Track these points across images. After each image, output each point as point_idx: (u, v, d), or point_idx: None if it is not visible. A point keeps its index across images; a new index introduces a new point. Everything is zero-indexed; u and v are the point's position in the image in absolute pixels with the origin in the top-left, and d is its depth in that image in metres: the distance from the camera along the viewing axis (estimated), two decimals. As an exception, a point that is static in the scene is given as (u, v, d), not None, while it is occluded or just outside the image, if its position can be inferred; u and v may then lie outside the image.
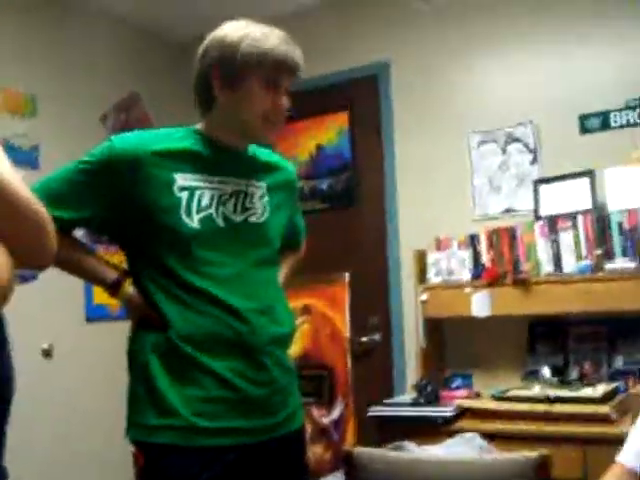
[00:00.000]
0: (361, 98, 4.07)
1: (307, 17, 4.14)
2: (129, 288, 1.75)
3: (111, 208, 1.71)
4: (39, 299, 3.34)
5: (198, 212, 1.72)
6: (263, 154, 1.95)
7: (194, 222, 1.71)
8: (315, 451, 3.89)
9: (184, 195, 1.71)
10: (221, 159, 1.81)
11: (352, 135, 4.07)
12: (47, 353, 3.52)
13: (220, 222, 1.75)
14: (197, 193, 1.73)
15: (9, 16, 3.57)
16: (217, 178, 1.78)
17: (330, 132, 4.13)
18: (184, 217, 1.70)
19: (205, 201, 1.74)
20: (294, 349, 3.94)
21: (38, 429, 3.35)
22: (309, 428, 3.91)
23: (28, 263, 1.26)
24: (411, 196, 3.85)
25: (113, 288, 1.76)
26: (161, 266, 1.71)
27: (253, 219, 1.82)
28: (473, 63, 3.76)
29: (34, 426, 3.28)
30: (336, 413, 3.87)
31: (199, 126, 1.84)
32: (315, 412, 3.91)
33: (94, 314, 3.78)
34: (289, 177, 2.00)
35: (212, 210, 1.75)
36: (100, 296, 3.56)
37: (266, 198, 1.87)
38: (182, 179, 1.73)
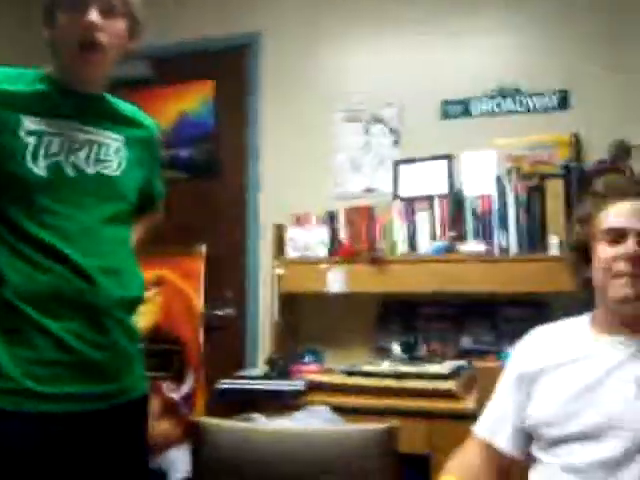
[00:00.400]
0: (229, 68, 3.98)
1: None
2: None
3: None
4: None
5: (45, 158, 1.60)
6: (126, 108, 1.85)
7: (40, 169, 1.59)
8: (164, 427, 3.80)
9: (31, 140, 1.60)
10: (74, 105, 1.70)
11: (217, 105, 3.98)
12: None
13: (69, 171, 1.64)
14: (46, 138, 1.62)
15: None
16: (69, 124, 1.67)
17: (194, 100, 4.03)
18: (30, 163, 1.59)
19: (54, 147, 1.63)
20: (144, 321, 3.85)
21: None
22: (158, 403, 3.81)
23: None
24: (273, 171, 3.82)
25: None
26: (2, 217, 1.59)
27: (106, 172, 1.72)
28: (343, 42, 3.77)
29: None
30: (186, 388, 3.80)
31: (47, 70, 1.72)
32: (164, 387, 3.82)
33: None
34: (150, 135, 1.91)
35: (61, 157, 1.63)
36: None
37: (123, 152, 1.77)
38: (30, 122, 1.61)
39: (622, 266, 1.52)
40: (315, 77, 3.81)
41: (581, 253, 1.63)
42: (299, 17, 3.85)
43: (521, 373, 1.65)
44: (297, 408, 2.79)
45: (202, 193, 3.95)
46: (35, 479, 1.54)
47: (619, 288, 1.52)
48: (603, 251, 1.56)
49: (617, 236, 1.54)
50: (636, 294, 1.51)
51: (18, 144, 1.58)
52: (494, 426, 1.68)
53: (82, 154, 1.67)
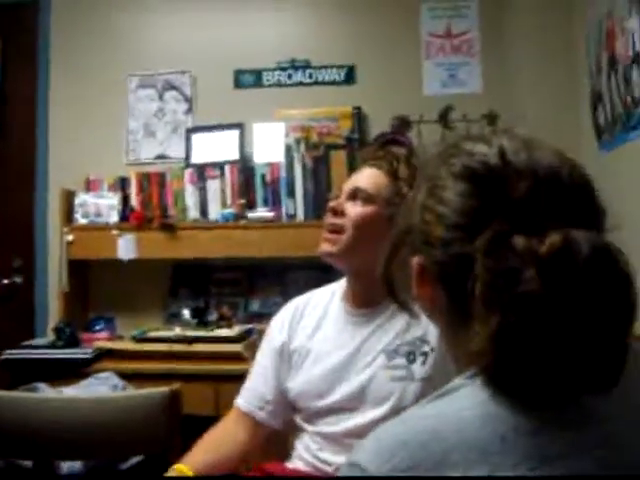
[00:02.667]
0: (18, 24, 3.80)
1: None
2: None
3: None
4: None
5: None
6: None
7: None
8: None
9: None
10: None
11: (4, 63, 3.78)
12: None
13: None
14: None
15: None
16: None
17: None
18: None
19: None
20: None
21: None
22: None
23: None
24: (64, 134, 3.70)
25: None
26: None
27: None
28: (139, 5, 3.71)
29: None
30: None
31: None
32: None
33: None
34: None
35: None
36: None
37: None
38: None
39: (327, 218, 1.65)
40: (109, 40, 3.72)
41: None
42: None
43: (278, 346, 1.72)
44: (85, 376, 2.77)
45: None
46: None
47: (322, 242, 1.65)
48: None
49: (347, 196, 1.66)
50: (331, 250, 1.62)
51: None
52: (254, 399, 1.74)
53: None
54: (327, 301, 1.74)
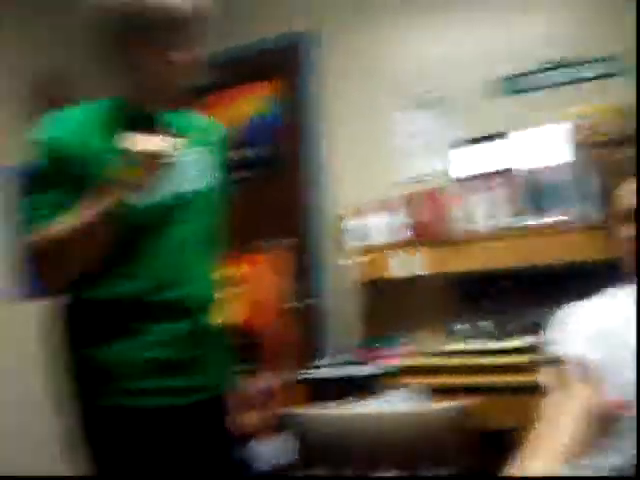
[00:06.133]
0: (290, 64, 4.05)
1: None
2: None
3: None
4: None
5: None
6: (195, 119, 1.92)
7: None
8: (247, 419, 3.90)
9: None
10: (155, 128, 1.74)
11: (281, 102, 4.06)
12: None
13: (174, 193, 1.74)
14: None
15: None
16: None
17: (259, 100, 4.11)
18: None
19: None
20: (226, 316, 3.94)
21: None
22: (241, 395, 3.91)
23: None
24: (338, 161, 3.88)
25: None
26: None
27: (199, 186, 1.81)
28: (398, 27, 3.80)
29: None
30: (270, 379, 3.89)
31: (121, 93, 1.78)
32: (248, 379, 3.91)
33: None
34: (219, 137, 1.97)
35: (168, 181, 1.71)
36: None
37: (207, 163, 1.86)
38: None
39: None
40: (373, 65, 3.84)
41: None
42: (354, 7, 3.89)
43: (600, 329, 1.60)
44: (377, 392, 2.85)
45: (271, 189, 4.04)
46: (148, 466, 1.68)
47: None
48: None
49: None
50: None
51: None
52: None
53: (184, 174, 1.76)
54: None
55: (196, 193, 1.79)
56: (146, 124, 1.71)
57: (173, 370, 1.71)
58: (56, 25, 4.06)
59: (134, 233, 1.69)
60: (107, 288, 1.69)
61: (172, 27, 1.68)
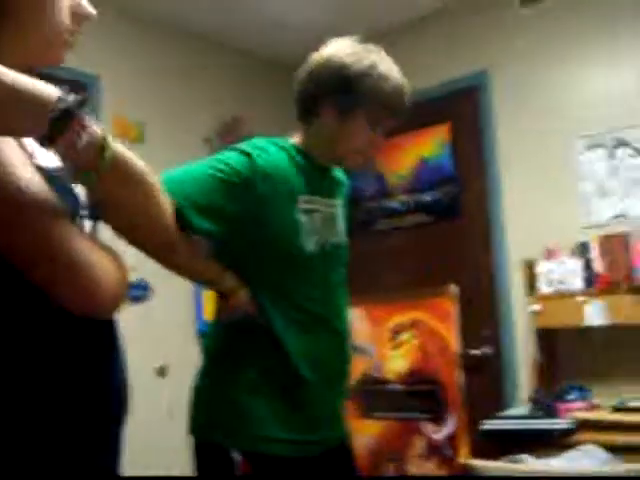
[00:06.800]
0: (462, 108, 4.05)
1: (412, 29, 4.20)
2: (246, 294, 1.73)
3: (239, 227, 1.67)
4: (151, 319, 3.45)
5: (313, 235, 1.74)
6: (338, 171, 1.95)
7: (311, 245, 1.73)
8: (427, 467, 3.85)
9: (304, 218, 1.73)
10: (322, 180, 1.82)
11: (454, 146, 4.05)
12: (161, 372, 3.62)
13: (328, 246, 1.79)
14: (315, 215, 1.76)
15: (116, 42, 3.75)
16: (324, 200, 1.81)
17: (432, 144, 4.12)
18: (303, 240, 1.72)
19: (318, 223, 1.76)
20: (402, 364, 3.94)
21: (161, 440, 3.44)
22: (421, 444, 3.87)
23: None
24: (517, 205, 3.80)
25: (228, 295, 1.73)
26: (278, 287, 1.73)
27: (340, 240, 1.86)
28: (576, 64, 3.69)
29: (155, 439, 3.38)
30: (448, 428, 3.82)
31: (297, 141, 1.82)
32: (427, 428, 3.87)
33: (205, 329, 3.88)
34: (347, 189, 2.00)
35: (323, 233, 1.77)
36: (210, 312, 3.68)
37: (341, 215, 1.89)
38: (303, 201, 1.73)
39: None
40: (549, 106, 3.75)
41: None
42: (526, 45, 3.83)
43: None
44: (564, 448, 2.72)
45: (448, 234, 4.01)
46: None
47: None
48: None
49: None
50: None
51: (293, 222, 1.71)
52: None
53: (333, 227, 1.82)
54: None
55: (343, 246, 1.87)
56: (323, 176, 1.81)
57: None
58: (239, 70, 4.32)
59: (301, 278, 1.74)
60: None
61: (394, 112, 1.77)
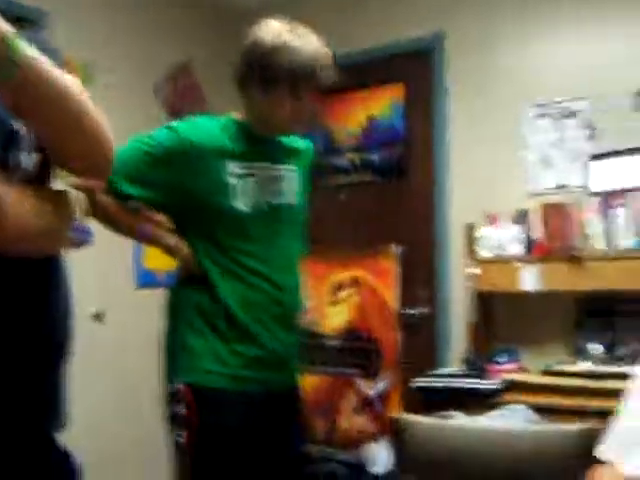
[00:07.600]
0: (415, 70, 4.04)
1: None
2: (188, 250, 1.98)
3: (170, 192, 1.94)
4: (90, 265, 3.40)
5: (245, 196, 1.95)
6: (290, 141, 2.14)
7: (243, 205, 1.95)
8: (358, 422, 3.93)
9: (235, 181, 1.95)
10: (263, 147, 2.03)
11: (404, 107, 4.05)
12: (98, 317, 3.60)
13: (265, 206, 1.99)
14: (249, 179, 1.97)
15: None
16: (263, 164, 2.01)
17: (382, 104, 4.13)
18: (234, 201, 1.94)
19: (253, 186, 1.97)
20: (340, 320, 3.99)
21: (89, 388, 3.43)
22: (354, 399, 3.95)
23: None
24: (463, 170, 3.83)
25: (172, 251, 2.00)
26: (215, 242, 1.95)
27: (289, 201, 2.06)
28: (530, 34, 3.70)
29: (84, 385, 3.36)
30: (382, 385, 3.90)
31: (238, 115, 2.04)
32: (360, 383, 3.95)
33: (144, 280, 3.86)
34: (310, 157, 2.23)
35: (258, 194, 1.98)
36: (150, 261, 3.67)
37: (297, 180, 2.10)
38: (234, 166, 1.95)
39: None
40: (501, 74, 3.77)
41: None
42: (480, 14, 3.83)
43: None
44: (493, 407, 2.81)
45: (393, 194, 4.04)
46: (238, 450, 1.93)
47: None
48: None
49: None
50: None
51: (223, 184, 1.93)
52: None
53: (272, 189, 2.01)
54: None
55: (289, 207, 2.06)
56: (262, 145, 2.03)
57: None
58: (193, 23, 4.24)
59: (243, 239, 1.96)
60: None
61: (311, 81, 1.96)
